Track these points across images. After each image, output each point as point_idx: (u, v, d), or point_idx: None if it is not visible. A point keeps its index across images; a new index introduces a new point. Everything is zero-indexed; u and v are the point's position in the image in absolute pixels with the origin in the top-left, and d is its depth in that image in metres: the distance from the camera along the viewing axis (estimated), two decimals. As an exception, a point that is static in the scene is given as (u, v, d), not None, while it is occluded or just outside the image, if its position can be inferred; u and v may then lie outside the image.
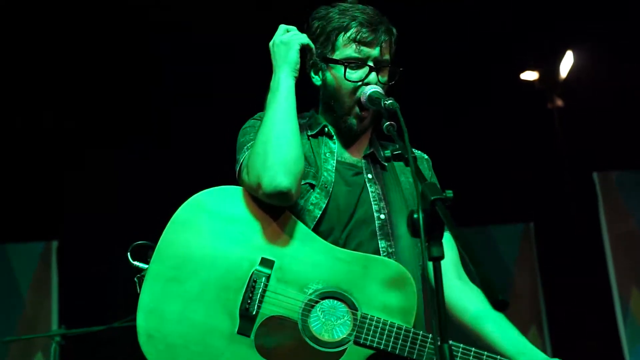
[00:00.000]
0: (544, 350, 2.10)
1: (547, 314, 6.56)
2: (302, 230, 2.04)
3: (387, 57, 2.17)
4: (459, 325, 2.16)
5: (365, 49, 2.13)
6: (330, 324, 1.96)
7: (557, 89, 6.60)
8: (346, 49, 2.14)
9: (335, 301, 1.98)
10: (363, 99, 2.12)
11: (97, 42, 5.52)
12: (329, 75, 2.18)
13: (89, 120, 5.96)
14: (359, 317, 1.96)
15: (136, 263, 2.12)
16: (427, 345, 1.94)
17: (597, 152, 6.32)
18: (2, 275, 6.22)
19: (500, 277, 6.37)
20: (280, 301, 1.96)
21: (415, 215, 1.51)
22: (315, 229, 2.07)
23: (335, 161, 2.18)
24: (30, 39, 5.43)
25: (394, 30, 2.20)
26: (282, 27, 2.14)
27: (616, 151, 6.23)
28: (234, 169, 2.20)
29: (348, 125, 2.19)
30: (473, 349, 1.98)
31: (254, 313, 1.93)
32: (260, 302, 1.94)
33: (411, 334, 1.96)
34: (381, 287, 1.99)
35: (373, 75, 2.13)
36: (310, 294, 1.97)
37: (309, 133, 2.23)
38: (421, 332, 1.96)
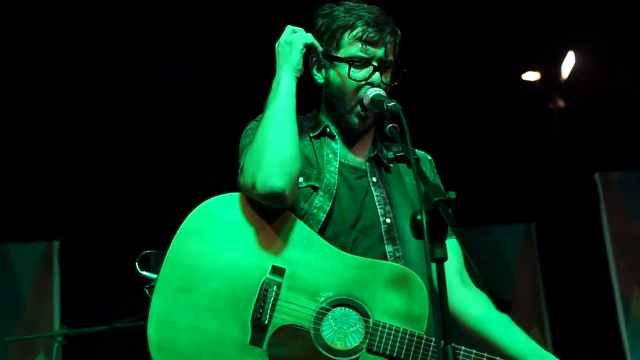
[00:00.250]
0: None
1: (549, 315, 6.56)
2: (310, 236, 2.03)
3: (391, 58, 2.17)
4: (466, 330, 2.15)
5: (370, 49, 2.12)
6: (342, 332, 1.95)
7: (558, 90, 6.60)
8: (351, 48, 2.13)
9: (347, 309, 1.96)
10: (366, 101, 2.11)
11: (97, 42, 5.51)
12: (332, 73, 2.17)
13: (89, 120, 5.96)
14: (371, 325, 1.94)
15: (144, 273, 2.10)
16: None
17: (599, 153, 6.32)
18: (3, 275, 6.22)
19: (502, 278, 6.37)
20: (292, 310, 1.94)
21: (419, 217, 1.51)
22: (321, 233, 2.05)
23: (338, 162, 2.16)
24: (31, 39, 5.43)
25: (399, 32, 2.19)
26: (289, 28, 2.12)
27: (617, 152, 6.22)
28: (234, 169, 2.19)
29: (350, 124, 2.18)
30: (474, 351, 1.98)
31: (266, 322, 1.92)
32: (272, 311, 1.92)
33: (424, 341, 1.94)
34: (392, 294, 1.97)
35: (377, 75, 2.13)
36: (322, 302, 1.95)
37: (311, 134, 2.22)
38: (433, 339, 1.95)
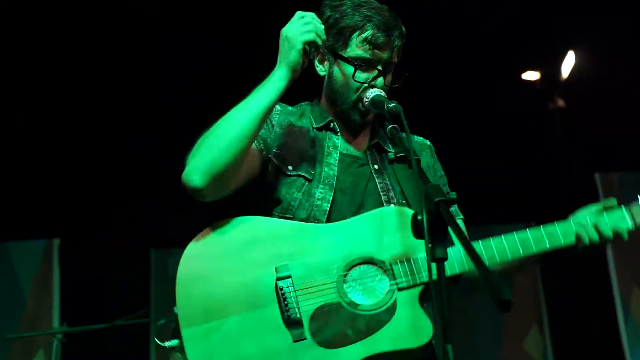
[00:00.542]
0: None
1: (548, 315, 6.57)
2: (292, 226, 2.06)
3: (395, 60, 2.17)
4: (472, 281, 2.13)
5: (377, 53, 2.12)
6: (369, 287, 1.97)
7: (558, 90, 6.60)
8: (358, 50, 2.12)
9: (360, 266, 1.99)
10: (366, 101, 2.12)
11: (97, 42, 5.51)
12: (336, 70, 2.17)
13: (89, 119, 5.97)
14: (388, 267, 1.97)
15: (167, 343, 2.10)
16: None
17: (599, 153, 6.32)
18: (3, 273, 6.23)
19: (499, 278, 6.37)
20: (314, 293, 1.95)
21: (419, 217, 1.52)
22: (328, 222, 2.08)
23: (338, 154, 2.18)
24: (31, 39, 5.43)
25: (405, 32, 2.19)
26: (298, 14, 2.06)
27: (617, 152, 6.23)
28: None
29: (352, 119, 2.19)
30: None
31: (298, 316, 1.93)
32: (297, 304, 1.94)
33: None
34: (394, 233, 2.00)
35: (381, 79, 2.13)
36: (336, 273, 1.97)
37: (315, 125, 2.24)
38: None
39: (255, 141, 2.10)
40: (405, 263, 1.97)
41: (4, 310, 6.11)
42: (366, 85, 2.13)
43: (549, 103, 6.66)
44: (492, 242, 2.07)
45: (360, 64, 2.12)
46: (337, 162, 2.17)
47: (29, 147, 6.04)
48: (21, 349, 5.98)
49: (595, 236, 2.09)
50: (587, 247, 2.10)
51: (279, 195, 2.12)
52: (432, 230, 1.51)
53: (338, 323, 1.93)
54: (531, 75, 6.64)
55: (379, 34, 2.10)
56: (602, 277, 6.37)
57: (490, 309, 5.67)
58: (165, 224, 6.02)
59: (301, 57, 2.04)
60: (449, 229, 1.54)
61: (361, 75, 2.13)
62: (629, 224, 2.13)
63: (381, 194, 2.14)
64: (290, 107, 2.29)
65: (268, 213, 2.12)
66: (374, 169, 2.18)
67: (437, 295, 1.50)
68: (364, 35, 2.11)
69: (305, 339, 1.91)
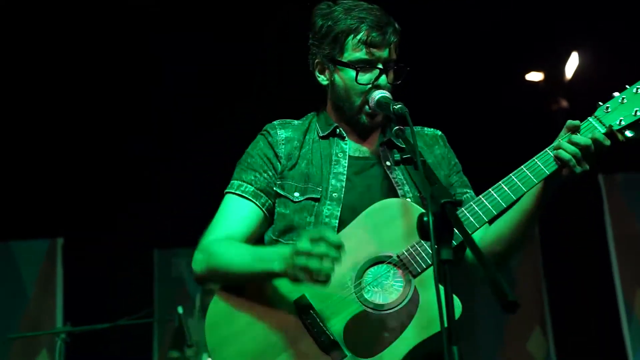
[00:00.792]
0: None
1: (551, 316, 6.56)
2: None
3: (394, 57, 2.17)
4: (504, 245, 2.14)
5: (375, 52, 2.12)
6: (387, 285, 1.99)
7: (562, 90, 6.59)
8: (356, 52, 2.13)
9: (372, 268, 2.01)
10: (371, 103, 2.13)
11: (97, 42, 5.51)
12: (337, 77, 2.18)
13: (90, 119, 5.98)
14: (396, 259, 1.99)
15: None
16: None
17: (602, 154, 6.30)
18: (7, 272, 6.25)
19: (504, 279, 6.37)
20: (338, 310, 1.98)
21: (425, 219, 1.52)
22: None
23: (347, 160, 2.18)
24: (31, 39, 5.43)
25: (399, 28, 2.19)
26: (313, 236, 1.87)
27: (621, 153, 6.20)
28: (234, 169, 2.24)
29: (360, 123, 2.20)
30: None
31: (332, 338, 1.95)
32: (326, 327, 1.97)
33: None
34: (390, 224, 2.02)
35: (383, 77, 2.14)
36: (352, 284, 1.99)
37: (321, 134, 2.24)
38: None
39: (257, 199, 2.16)
40: (411, 249, 1.99)
41: (8, 309, 6.13)
42: (370, 86, 2.14)
43: (552, 104, 6.66)
44: (484, 199, 2.09)
45: (361, 65, 2.12)
46: (346, 169, 2.17)
47: (31, 148, 6.06)
48: (24, 348, 6.00)
49: (573, 148, 2.08)
50: (573, 168, 2.09)
51: (293, 223, 2.14)
52: (438, 231, 1.51)
53: (371, 330, 1.95)
54: (535, 76, 6.63)
55: (373, 34, 2.11)
56: (605, 278, 6.36)
57: (492, 310, 5.68)
58: (169, 224, 6.04)
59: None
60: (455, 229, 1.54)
61: (364, 77, 2.13)
62: (600, 128, 2.17)
63: (397, 189, 2.14)
64: (295, 122, 2.30)
65: (286, 239, 2.14)
66: (387, 165, 2.18)
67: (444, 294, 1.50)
68: (358, 37, 2.12)
69: (346, 356, 1.94)
